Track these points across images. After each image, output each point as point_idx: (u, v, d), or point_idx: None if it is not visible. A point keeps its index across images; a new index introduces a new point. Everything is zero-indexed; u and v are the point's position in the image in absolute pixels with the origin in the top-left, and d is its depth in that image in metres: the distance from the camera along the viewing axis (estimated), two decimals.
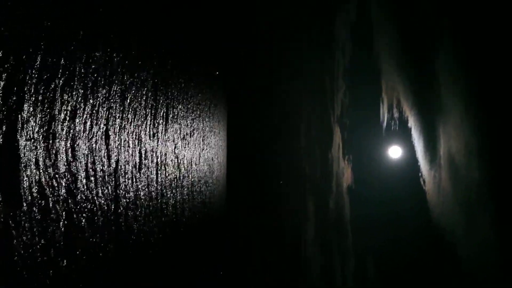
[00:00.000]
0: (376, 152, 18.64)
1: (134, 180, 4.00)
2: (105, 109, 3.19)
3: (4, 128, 1.89)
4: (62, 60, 2.44)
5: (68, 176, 2.52)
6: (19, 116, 2.01)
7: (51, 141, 2.31)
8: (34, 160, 2.14)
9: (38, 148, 2.18)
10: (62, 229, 2.40)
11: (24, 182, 2.05)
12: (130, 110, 3.88)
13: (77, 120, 2.66)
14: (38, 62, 2.17)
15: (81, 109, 2.73)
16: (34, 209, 2.12)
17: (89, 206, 2.83)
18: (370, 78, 19.06)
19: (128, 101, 3.82)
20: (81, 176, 2.72)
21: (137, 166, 4.12)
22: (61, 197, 2.42)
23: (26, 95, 2.06)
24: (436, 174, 15.06)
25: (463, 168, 13.33)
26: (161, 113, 5.19)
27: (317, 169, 21.90)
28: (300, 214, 21.82)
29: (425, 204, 15.33)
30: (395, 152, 17.44)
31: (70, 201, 2.53)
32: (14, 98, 1.96)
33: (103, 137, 3.16)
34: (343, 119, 20.98)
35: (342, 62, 20.92)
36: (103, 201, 3.11)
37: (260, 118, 21.80)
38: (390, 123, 17.82)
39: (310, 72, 22.42)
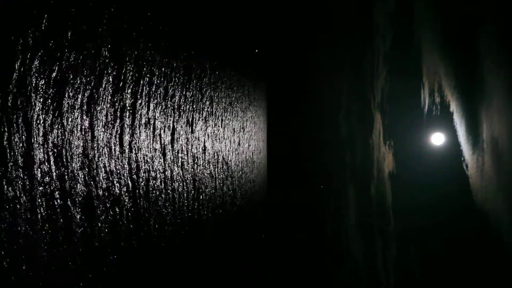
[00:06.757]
0: (418, 137, 18.50)
1: (160, 175, 4.66)
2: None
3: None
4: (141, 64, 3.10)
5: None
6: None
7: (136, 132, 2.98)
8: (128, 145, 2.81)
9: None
10: (150, 213, 3.09)
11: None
12: (169, 105, 4.53)
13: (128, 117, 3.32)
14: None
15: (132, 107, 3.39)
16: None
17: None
18: (410, 63, 18.83)
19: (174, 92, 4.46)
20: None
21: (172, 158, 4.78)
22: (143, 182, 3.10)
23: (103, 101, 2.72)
24: (479, 158, 14.85)
25: (506, 152, 13.13)
26: (204, 110, 5.83)
27: (357, 156, 22.02)
28: (342, 201, 22.08)
29: (468, 189, 15.16)
30: (436, 136, 17.26)
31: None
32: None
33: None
34: (384, 105, 20.89)
35: (382, 47, 20.74)
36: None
37: (300, 106, 22.14)
38: (432, 108, 17.61)
39: (350, 59, 22.40)
